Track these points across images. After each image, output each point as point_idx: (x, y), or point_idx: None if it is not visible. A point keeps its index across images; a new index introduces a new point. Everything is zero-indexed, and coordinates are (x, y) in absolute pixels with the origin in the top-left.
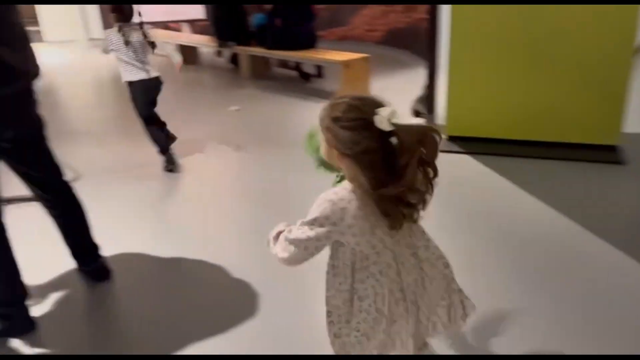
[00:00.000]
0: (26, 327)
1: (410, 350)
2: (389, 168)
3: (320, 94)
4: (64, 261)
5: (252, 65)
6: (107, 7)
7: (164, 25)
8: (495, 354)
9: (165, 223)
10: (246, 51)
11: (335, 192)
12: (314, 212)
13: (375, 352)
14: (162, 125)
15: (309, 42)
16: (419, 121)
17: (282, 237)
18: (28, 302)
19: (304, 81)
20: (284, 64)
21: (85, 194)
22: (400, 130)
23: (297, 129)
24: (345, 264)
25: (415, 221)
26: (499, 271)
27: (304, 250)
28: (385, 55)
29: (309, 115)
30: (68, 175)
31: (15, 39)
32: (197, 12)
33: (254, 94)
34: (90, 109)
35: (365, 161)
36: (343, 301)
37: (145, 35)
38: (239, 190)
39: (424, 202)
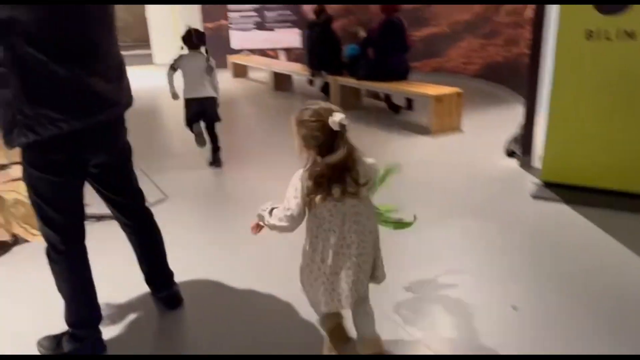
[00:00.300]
0: (96, 350)
1: (346, 300)
2: (339, 161)
3: (409, 127)
4: (138, 284)
5: (342, 95)
6: (209, 37)
7: (262, 52)
8: None
9: (241, 253)
10: (337, 81)
11: (300, 174)
12: (289, 187)
13: (322, 299)
14: (216, 145)
15: (402, 74)
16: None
17: (277, 211)
18: (101, 325)
19: (393, 113)
20: (374, 94)
21: (167, 216)
22: (345, 130)
23: (378, 162)
24: (311, 228)
25: (354, 196)
26: (591, 332)
27: (298, 213)
28: (481, 89)
29: (393, 149)
30: (155, 196)
31: (110, 70)
32: (294, 40)
33: None
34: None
35: (319, 151)
36: (308, 258)
37: (208, 61)
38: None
39: (356, 187)
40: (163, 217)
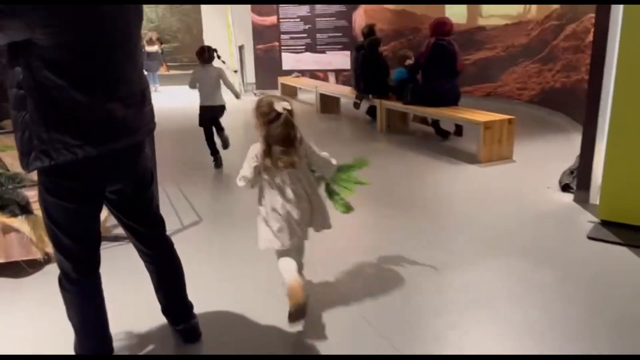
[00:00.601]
0: None
1: (290, 239)
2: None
3: (456, 155)
4: (157, 313)
5: (389, 119)
6: (260, 58)
7: (312, 73)
8: None
9: (271, 285)
10: (384, 104)
11: (254, 145)
12: (247, 157)
13: (275, 240)
14: (224, 140)
15: (451, 99)
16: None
17: (240, 175)
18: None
19: (441, 139)
20: (422, 119)
21: (199, 239)
22: (287, 112)
23: (421, 191)
24: (264, 190)
25: (293, 167)
26: None
27: (251, 175)
28: (537, 116)
29: (437, 177)
30: (191, 218)
31: (131, 95)
32: (344, 62)
33: (387, 149)
34: (234, 153)
35: (267, 128)
36: (263, 211)
37: (220, 75)
38: (350, 258)
39: (291, 160)
40: (195, 240)
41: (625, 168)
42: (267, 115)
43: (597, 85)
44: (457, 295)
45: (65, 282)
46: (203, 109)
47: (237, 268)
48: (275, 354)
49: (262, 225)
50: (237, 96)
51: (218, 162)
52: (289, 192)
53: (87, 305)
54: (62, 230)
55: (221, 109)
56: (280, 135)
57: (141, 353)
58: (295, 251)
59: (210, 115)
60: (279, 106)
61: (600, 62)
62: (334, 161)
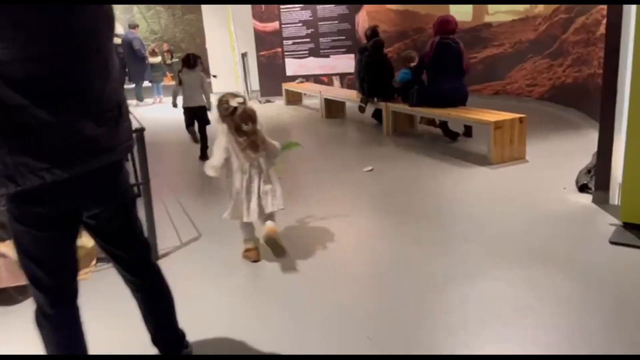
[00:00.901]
0: None
1: (254, 214)
2: (238, 125)
3: (466, 156)
4: (145, 343)
5: (395, 121)
6: (264, 65)
7: (316, 78)
8: None
9: (271, 306)
10: (389, 107)
11: (219, 138)
12: (216, 145)
13: (243, 213)
14: (205, 143)
15: (458, 99)
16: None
17: (209, 163)
18: None
19: (449, 140)
20: (430, 120)
21: (197, 257)
22: (240, 105)
23: (430, 196)
24: (232, 173)
25: (256, 151)
26: None
27: (220, 163)
28: (549, 113)
29: (449, 179)
30: (190, 234)
31: (104, 112)
32: (348, 66)
33: (393, 153)
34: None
35: (228, 120)
36: (232, 190)
37: (201, 80)
38: (354, 269)
39: (253, 144)
40: (194, 259)
41: None
42: (226, 110)
43: (613, 78)
44: (467, 310)
45: (40, 317)
46: (186, 109)
47: (236, 288)
48: None
49: (230, 203)
50: (209, 107)
51: (195, 137)
52: (247, 176)
53: (63, 342)
54: (34, 260)
55: (202, 109)
56: (239, 124)
57: None
58: (253, 225)
59: (192, 115)
60: (234, 102)
61: (614, 54)
62: (279, 146)
